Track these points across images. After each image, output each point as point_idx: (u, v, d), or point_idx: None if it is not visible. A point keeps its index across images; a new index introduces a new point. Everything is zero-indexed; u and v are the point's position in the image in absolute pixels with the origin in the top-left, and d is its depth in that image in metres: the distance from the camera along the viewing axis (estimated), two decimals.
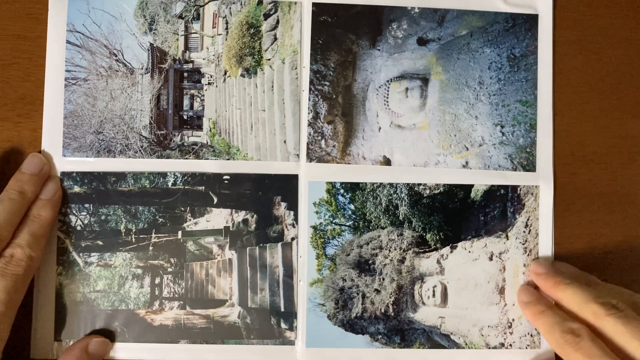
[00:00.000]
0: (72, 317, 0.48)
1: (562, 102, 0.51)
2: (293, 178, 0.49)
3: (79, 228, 0.48)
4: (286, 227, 0.50)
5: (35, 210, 0.45)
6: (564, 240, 0.51)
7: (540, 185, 0.50)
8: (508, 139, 0.50)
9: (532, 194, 0.50)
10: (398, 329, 0.50)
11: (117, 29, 0.50)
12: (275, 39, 0.50)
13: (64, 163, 0.48)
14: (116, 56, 0.50)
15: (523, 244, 0.50)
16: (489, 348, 0.49)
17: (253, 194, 0.50)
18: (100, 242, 0.49)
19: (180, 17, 0.51)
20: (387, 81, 0.50)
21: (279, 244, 0.49)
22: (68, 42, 0.49)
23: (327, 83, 0.50)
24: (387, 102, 0.50)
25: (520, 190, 0.50)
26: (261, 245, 0.49)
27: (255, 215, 0.50)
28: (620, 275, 0.51)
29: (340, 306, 0.49)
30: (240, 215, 0.50)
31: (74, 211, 0.48)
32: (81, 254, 0.48)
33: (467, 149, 0.50)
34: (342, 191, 0.50)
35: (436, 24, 0.51)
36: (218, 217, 0.50)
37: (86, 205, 0.49)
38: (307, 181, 0.49)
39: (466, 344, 0.49)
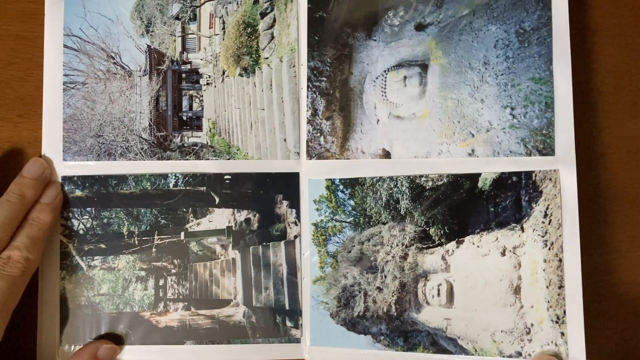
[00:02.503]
0: (77, 321, 0.47)
1: None
2: (294, 176, 0.49)
3: (81, 232, 0.48)
4: (288, 225, 0.50)
5: (35, 214, 0.45)
6: None
7: (560, 169, 0.46)
8: (520, 121, 0.46)
9: (550, 180, 0.45)
10: (401, 330, 0.47)
11: (114, 31, 0.49)
12: (273, 37, 0.50)
13: (65, 167, 0.48)
14: (114, 59, 0.50)
15: (542, 237, 0.45)
16: (504, 357, 0.45)
17: (254, 193, 0.49)
18: (103, 246, 0.49)
19: (177, 18, 0.51)
20: (384, 71, 0.49)
21: (282, 242, 0.49)
22: (65, 46, 0.49)
23: (324, 79, 0.49)
24: (385, 92, 0.49)
25: (535, 176, 0.46)
26: (264, 244, 0.49)
27: (257, 214, 0.50)
28: (620, 276, 0.50)
29: (343, 304, 0.48)
30: (242, 215, 0.50)
31: (76, 215, 0.48)
32: (84, 258, 0.48)
33: (473, 135, 0.47)
34: (341, 187, 0.49)
35: (435, 7, 0.48)
36: (220, 217, 0.50)
37: (88, 208, 0.48)
38: (307, 179, 0.49)
39: (476, 351, 0.45)
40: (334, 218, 0.49)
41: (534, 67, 0.47)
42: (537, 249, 0.45)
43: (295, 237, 0.49)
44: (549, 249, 0.45)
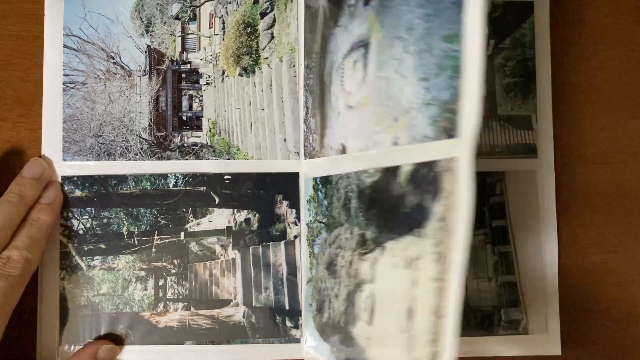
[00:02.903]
0: (76, 321, 0.47)
1: (561, 102, 0.51)
2: (294, 176, 0.49)
3: (81, 232, 0.48)
4: (288, 225, 0.49)
5: (35, 214, 0.45)
6: (562, 241, 0.50)
7: (459, 156, 0.31)
8: (433, 96, 0.34)
9: (451, 171, 0.32)
10: (345, 344, 0.41)
11: (113, 31, 0.49)
12: (272, 37, 0.50)
13: (65, 167, 0.48)
14: (114, 59, 0.50)
15: (437, 247, 0.32)
16: None
17: (254, 193, 0.49)
18: (102, 246, 0.49)
19: (177, 18, 0.50)
20: (343, 58, 0.43)
21: (282, 243, 0.49)
22: (65, 46, 0.49)
23: (312, 75, 0.48)
24: (343, 81, 0.42)
25: (438, 166, 0.33)
26: (264, 244, 0.49)
27: (257, 214, 0.50)
28: (620, 276, 0.50)
29: (318, 308, 0.46)
30: (242, 215, 0.50)
31: (76, 215, 0.48)
32: (84, 258, 0.48)
33: (397, 120, 0.37)
34: (320, 187, 0.47)
35: None
36: (220, 217, 0.50)
37: (88, 209, 0.48)
38: (304, 179, 0.49)
39: None
40: (317, 219, 0.47)
41: (448, 22, 0.33)
42: (431, 263, 0.33)
43: (295, 237, 0.49)
44: (442, 263, 0.32)
